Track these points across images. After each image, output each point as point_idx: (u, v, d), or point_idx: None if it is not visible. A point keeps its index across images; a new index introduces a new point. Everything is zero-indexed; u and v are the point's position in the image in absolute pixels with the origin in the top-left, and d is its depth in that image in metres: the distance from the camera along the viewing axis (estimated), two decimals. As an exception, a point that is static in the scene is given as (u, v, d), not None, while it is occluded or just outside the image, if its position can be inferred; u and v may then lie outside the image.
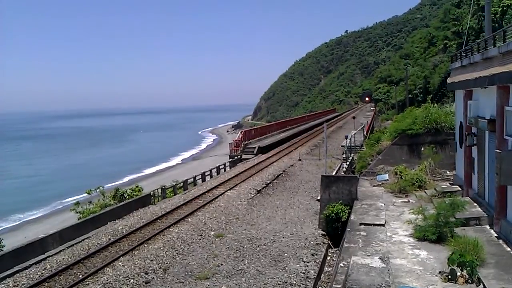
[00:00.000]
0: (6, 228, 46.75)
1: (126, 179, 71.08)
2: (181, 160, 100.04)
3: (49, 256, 16.62)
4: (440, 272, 9.66)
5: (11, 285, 13.99)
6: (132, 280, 13.71)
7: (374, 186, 19.22)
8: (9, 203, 59.29)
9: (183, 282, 13.42)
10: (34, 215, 54.49)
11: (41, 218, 51.86)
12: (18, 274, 14.99)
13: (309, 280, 12.96)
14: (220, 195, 25.26)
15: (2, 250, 18.93)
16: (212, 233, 18.49)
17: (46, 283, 13.88)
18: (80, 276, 14.30)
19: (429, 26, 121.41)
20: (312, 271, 13.52)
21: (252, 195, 25.22)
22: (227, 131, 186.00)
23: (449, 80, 19.42)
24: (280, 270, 13.80)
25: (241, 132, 49.60)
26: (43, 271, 15.03)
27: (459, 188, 17.03)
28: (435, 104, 26.58)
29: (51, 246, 17.81)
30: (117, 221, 21.36)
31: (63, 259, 16.12)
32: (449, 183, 18.42)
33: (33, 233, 32.84)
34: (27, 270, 15.27)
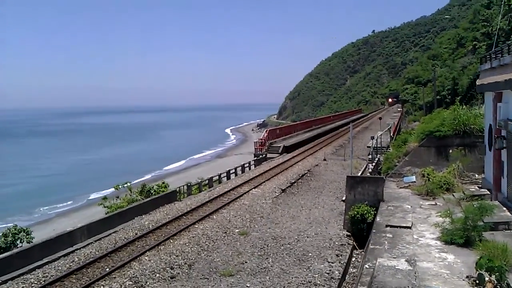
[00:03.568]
0: (36, 221, 47.83)
1: (152, 175, 71.99)
2: (208, 157, 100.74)
3: (77, 249, 16.93)
4: (467, 277, 9.52)
5: (40, 276, 14.29)
6: (157, 275, 13.92)
7: (400, 188, 19.02)
8: (39, 197, 60.81)
9: (208, 278, 13.55)
10: (63, 208, 55.70)
11: (69, 212, 52.96)
12: (47, 265, 15.30)
13: (334, 281, 12.93)
14: (245, 193, 25.38)
15: (32, 242, 19.36)
16: (237, 230, 18.61)
17: (74, 275, 14.18)
18: (107, 269, 14.57)
19: (458, 27, 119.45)
20: (336, 272, 13.49)
21: (277, 194, 25.26)
22: (252, 130, 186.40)
23: (478, 82, 19.08)
24: (304, 270, 13.81)
25: (266, 131, 49.66)
26: (71, 264, 15.34)
27: (488, 192, 16.72)
28: (464, 106, 26.13)
29: (79, 239, 18.11)
30: (143, 216, 21.65)
31: (90, 252, 16.43)
32: (478, 187, 18.11)
33: (62, 226, 33.55)
34: (55, 262, 15.58)
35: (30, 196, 61.66)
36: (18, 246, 19.61)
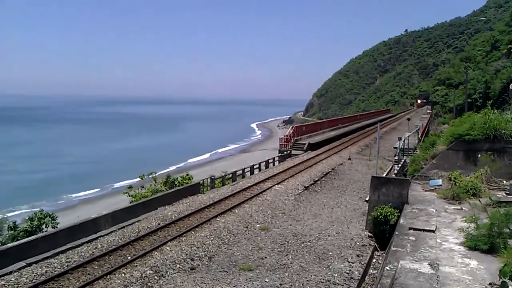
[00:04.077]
0: (61, 207, 48.85)
1: (177, 167, 72.72)
2: (232, 151, 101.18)
3: (100, 236, 17.16)
4: (490, 284, 9.32)
5: (63, 261, 14.55)
6: (178, 265, 14.08)
7: (426, 191, 18.70)
8: (66, 183, 62.16)
9: (227, 272, 13.63)
10: (89, 196, 56.79)
11: (94, 199, 53.94)
12: (70, 251, 15.54)
13: (353, 281, 12.85)
14: (268, 188, 25.39)
15: (57, 227, 19.74)
16: (258, 225, 18.64)
17: (97, 262, 14.42)
18: (129, 257, 14.79)
19: (493, 29, 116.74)
20: (356, 272, 13.40)
21: (300, 191, 25.21)
22: (278, 126, 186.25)
23: (511, 87, 18.59)
24: (324, 268, 13.76)
25: (292, 127, 49.46)
26: (94, 250, 15.59)
27: (516, 199, 16.30)
28: (495, 110, 25.45)
29: (103, 227, 18.37)
30: (167, 206, 21.86)
31: (113, 239, 16.68)
32: (505, 193, 17.67)
33: (86, 213, 34.12)
34: (79, 248, 15.82)
35: (58, 182, 63.17)
36: (43, 230, 20.02)
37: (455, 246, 11.76)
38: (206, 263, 14.45)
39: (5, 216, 22.47)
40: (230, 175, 30.45)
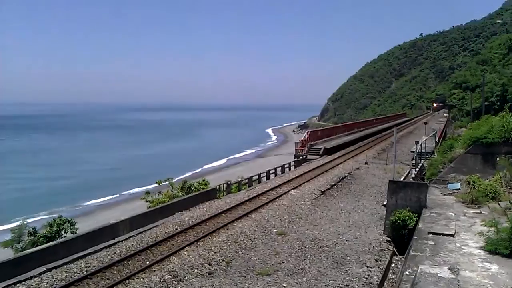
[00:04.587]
0: (80, 213, 49.29)
1: (193, 173, 72.95)
2: (248, 157, 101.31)
3: (119, 242, 17.32)
4: (512, 288, 9.21)
5: (82, 266, 14.74)
6: (196, 270, 14.15)
7: (444, 194, 18.53)
8: (85, 190, 62.77)
9: (245, 276, 13.65)
10: (107, 202, 57.29)
11: (112, 205, 54.35)
12: (89, 256, 15.74)
13: (372, 286, 12.78)
14: (284, 193, 25.36)
15: (76, 233, 19.97)
16: (275, 230, 18.64)
17: (115, 267, 14.57)
18: (147, 262, 14.91)
19: (510, 32, 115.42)
20: (375, 277, 13.31)
21: (316, 196, 25.13)
22: (293, 131, 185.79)
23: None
24: (342, 273, 13.70)
25: (307, 132, 49.33)
26: (112, 255, 15.75)
27: (536, 202, 16.05)
28: (513, 113, 25.11)
29: (121, 232, 18.53)
30: (184, 212, 21.98)
31: (132, 245, 16.82)
32: (526, 197, 17.41)
33: (104, 219, 34.43)
34: (98, 253, 16.00)
35: (77, 188, 63.81)
36: (62, 236, 20.27)
37: (475, 250, 11.63)
38: (224, 268, 14.49)
39: (25, 222, 22.74)
40: (246, 180, 30.50)
